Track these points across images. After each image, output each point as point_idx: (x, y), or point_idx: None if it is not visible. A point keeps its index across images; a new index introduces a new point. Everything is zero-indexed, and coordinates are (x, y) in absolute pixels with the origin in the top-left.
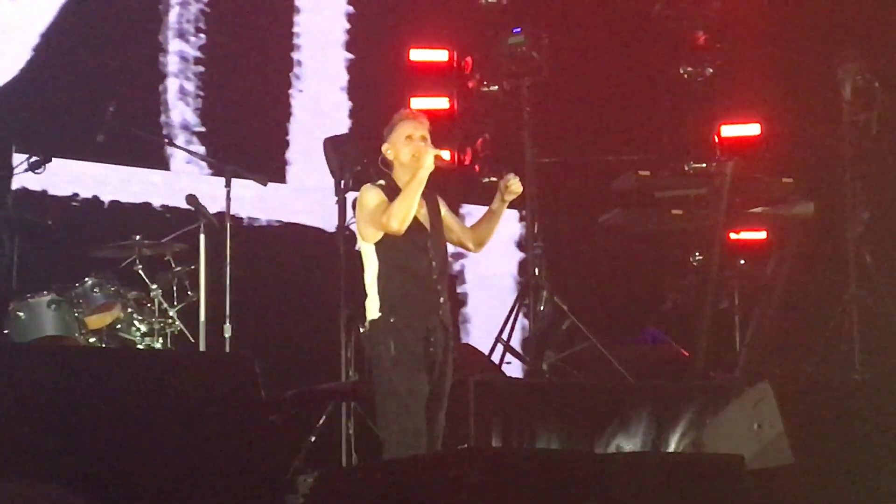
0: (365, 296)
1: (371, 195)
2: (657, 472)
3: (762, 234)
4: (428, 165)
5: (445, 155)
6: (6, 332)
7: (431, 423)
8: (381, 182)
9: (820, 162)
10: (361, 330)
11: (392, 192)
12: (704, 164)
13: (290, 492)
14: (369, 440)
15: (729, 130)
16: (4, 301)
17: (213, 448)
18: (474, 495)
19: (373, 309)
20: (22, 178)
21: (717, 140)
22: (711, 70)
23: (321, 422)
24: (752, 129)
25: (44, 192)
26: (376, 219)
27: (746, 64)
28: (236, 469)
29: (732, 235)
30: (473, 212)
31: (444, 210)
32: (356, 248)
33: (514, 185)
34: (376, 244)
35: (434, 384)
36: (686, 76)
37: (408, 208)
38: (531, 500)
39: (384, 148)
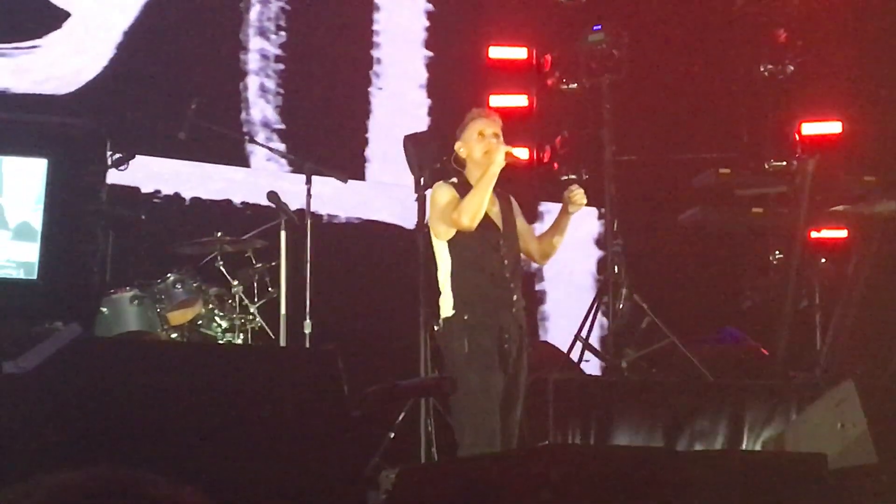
0: (439, 293)
1: (443, 192)
2: (739, 471)
3: (843, 233)
4: (499, 162)
5: (523, 153)
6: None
7: (506, 422)
8: (454, 180)
9: None
10: (436, 328)
11: (464, 189)
12: (785, 162)
13: (371, 488)
14: (448, 437)
15: (810, 128)
16: (98, 297)
17: (294, 443)
18: (556, 492)
19: (446, 306)
20: (111, 174)
21: (797, 138)
22: (792, 67)
23: (400, 418)
24: (834, 127)
25: (135, 188)
26: (448, 215)
27: (827, 61)
28: (318, 465)
29: (813, 234)
30: (552, 209)
31: (517, 212)
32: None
33: (578, 197)
34: (449, 242)
35: (508, 382)
36: (767, 74)
37: (479, 204)
38: (612, 498)
39: (457, 146)
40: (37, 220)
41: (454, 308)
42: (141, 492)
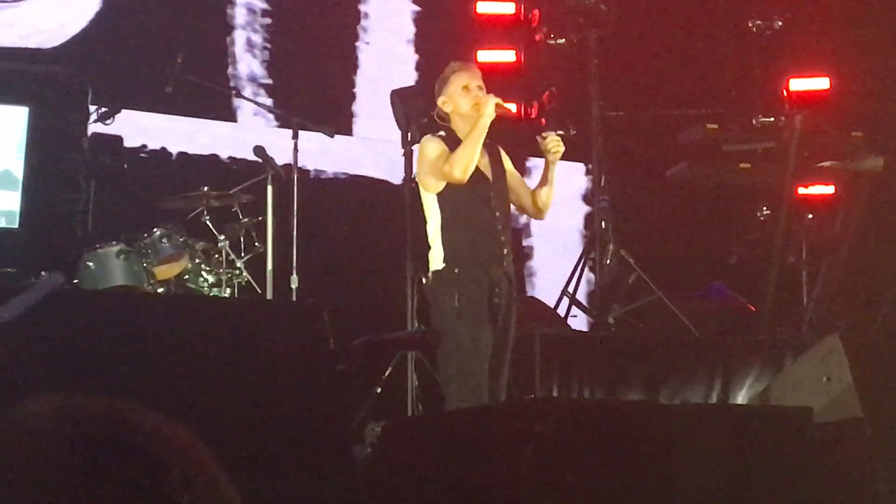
0: (428, 247)
1: (432, 145)
2: (725, 423)
3: (831, 189)
4: (489, 113)
5: (510, 107)
6: (76, 281)
7: (495, 376)
8: (442, 133)
9: (889, 116)
10: (424, 281)
11: (452, 142)
12: (773, 118)
13: (357, 441)
14: (435, 392)
15: (798, 84)
16: (81, 245)
17: (280, 396)
18: (541, 445)
19: (436, 260)
20: (95, 126)
21: (785, 94)
22: (780, 23)
23: (387, 373)
24: (822, 83)
25: (118, 137)
26: (438, 168)
27: (816, 17)
28: (304, 418)
29: (801, 190)
30: (539, 164)
31: (508, 165)
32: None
33: (552, 144)
34: (438, 195)
35: (498, 336)
36: (755, 29)
37: (470, 156)
38: (597, 450)
39: (440, 101)
40: (18, 169)
41: (444, 261)
42: (132, 421)
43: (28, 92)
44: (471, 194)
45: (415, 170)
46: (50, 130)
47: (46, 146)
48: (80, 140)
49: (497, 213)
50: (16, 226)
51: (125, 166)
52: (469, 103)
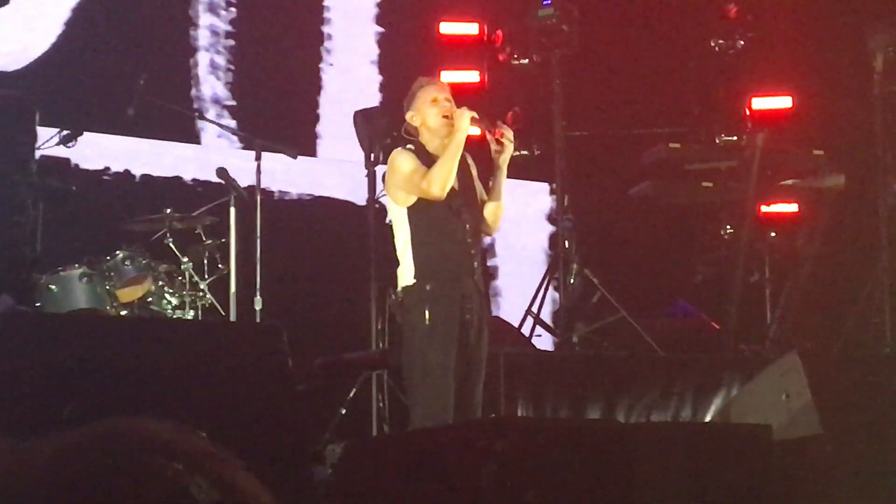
0: (396, 263)
1: (404, 159)
2: (685, 441)
3: (793, 207)
4: (464, 127)
5: (475, 130)
6: (38, 304)
7: (469, 394)
8: (411, 147)
9: (851, 134)
10: (393, 297)
11: (422, 155)
12: (735, 137)
13: (318, 463)
14: (400, 412)
15: (760, 103)
16: (29, 267)
17: (239, 417)
18: (502, 464)
19: (406, 276)
20: (46, 147)
21: (748, 112)
22: (742, 42)
23: (352, 394)
24: (784, 102)
25: (67, 160)
26: (414, 184)
27: (778, 36)
28: (263, 439)
29: (763, 208)
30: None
31: (475, 175)
32: (387, 220)
33: (507, 133)
34: (409, 208)
35: (471, 351)
36: (717, 48)
37: (448, 172)
38: (558, 469)
39: (409, 116)
40: None
41: (415, 277)
42: (151, 438)
43: None
44: (441, 207)
45: (378, 191)
46: None
47: None
48: (27, 162)
49: (467, 226)
50: None
51: (73, 188)
52: (437, 115)
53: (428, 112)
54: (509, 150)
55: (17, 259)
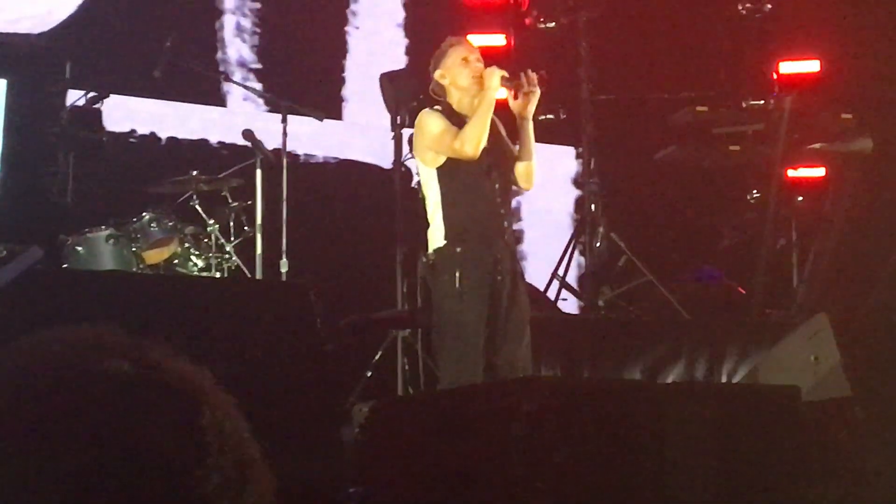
0: (426, 225)
1: (433, 120)
2: (713, 402)
3: (820, 171)
4: (495, 86)
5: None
6: (65, 266)
7: (510, 354)
8: (438, 107)
9: (879, 97)
10: (423, 260)
11: (451, 116)
12: (762, 101)
13: (345, 422)
14: (426, 375)
15: (787, 67)
16: (60, 219)
17: (267, 376)
18: (529, 424)
19: (437, 237)
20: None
21: (775, 76)
22: (770, 6)
23: (378, 357)
24: (811, 66)
25: (96, 111)
26: (445, 144)
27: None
28: (291, 398)
29: (790, 172)
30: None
31: (504, 135)
32: (413, 184)
33: (534, 78)
34: (438, 169)
35: (506, 311)
36: (744, 12)
37: (481, 131)
38: (585, 430)
39: (438, 74)
40: None
41: (445, 238)
42: (159, 359)
43: (5, 63)
44: (471, 166)
45: (405, 154)
46: (28, 102)
47: (25, 118)
48: (58, 112)
49: (497, 185)
50: None
51: (104, 139)
52: (468, 76)
53: (458, 72)
54: (534, 99)
55: (48, 210)
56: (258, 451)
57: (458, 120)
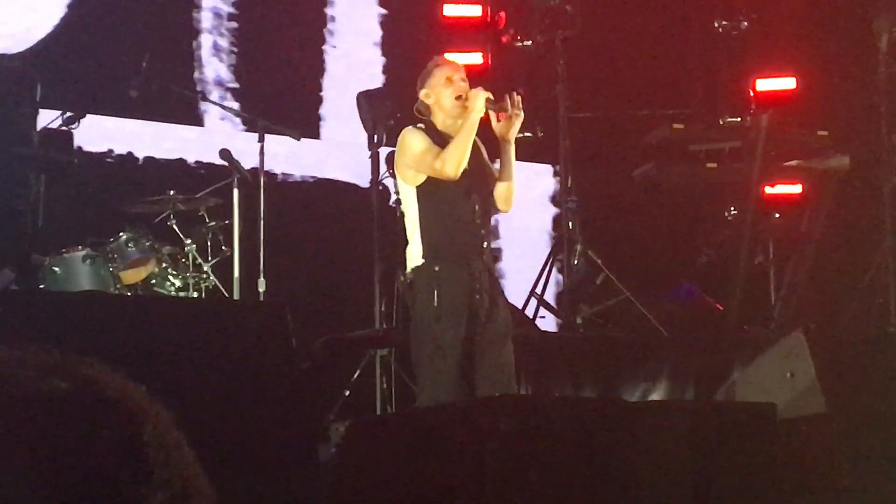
0: (405, 243)
1: (416, 138)
2: (690, 419)
3: (797, 188)
4: (479, 108)
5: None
6: (41, 286)
7: (494, 371)
8: (421, 126)
9: (855, 115)
10: (402, 278)
11: (434, 134)
12: (739, 118)
13: (323, 441)
14: (403, 394)
15: (764, 84)
16: (30, 240)
17: (243, 395)
18: (505, 443)
19: (415, 255)
20: (47, 118)
21: (751, 93)
22: (746, 23)
23: (355, 376)
24: (788, 83)
25: (69, 134)
26: (426, 163)
27: (782, 17)
28: (267, 418)
29: (767, 189)
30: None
31: (484, 155)
32: (391, 201)
33: (517, 104)
34: (418, 188)
35: (483, 329)
36: (721, 29)
37: (463, 153)
38: (561, 448)
39: (422, 94)
40: None
41: (423, 257)
42: (99, 377)
43: None
44: (450, 187)
45: (382, 172)
46: None
47: None
48: (28, 134)
49: (476, 206)
50: None
51: (75, 161)
52: (451, 95)
53: (442, 92)
54: (517, 122)
55: (19, 232)
56: (198, 465)
57: (441, 139)
